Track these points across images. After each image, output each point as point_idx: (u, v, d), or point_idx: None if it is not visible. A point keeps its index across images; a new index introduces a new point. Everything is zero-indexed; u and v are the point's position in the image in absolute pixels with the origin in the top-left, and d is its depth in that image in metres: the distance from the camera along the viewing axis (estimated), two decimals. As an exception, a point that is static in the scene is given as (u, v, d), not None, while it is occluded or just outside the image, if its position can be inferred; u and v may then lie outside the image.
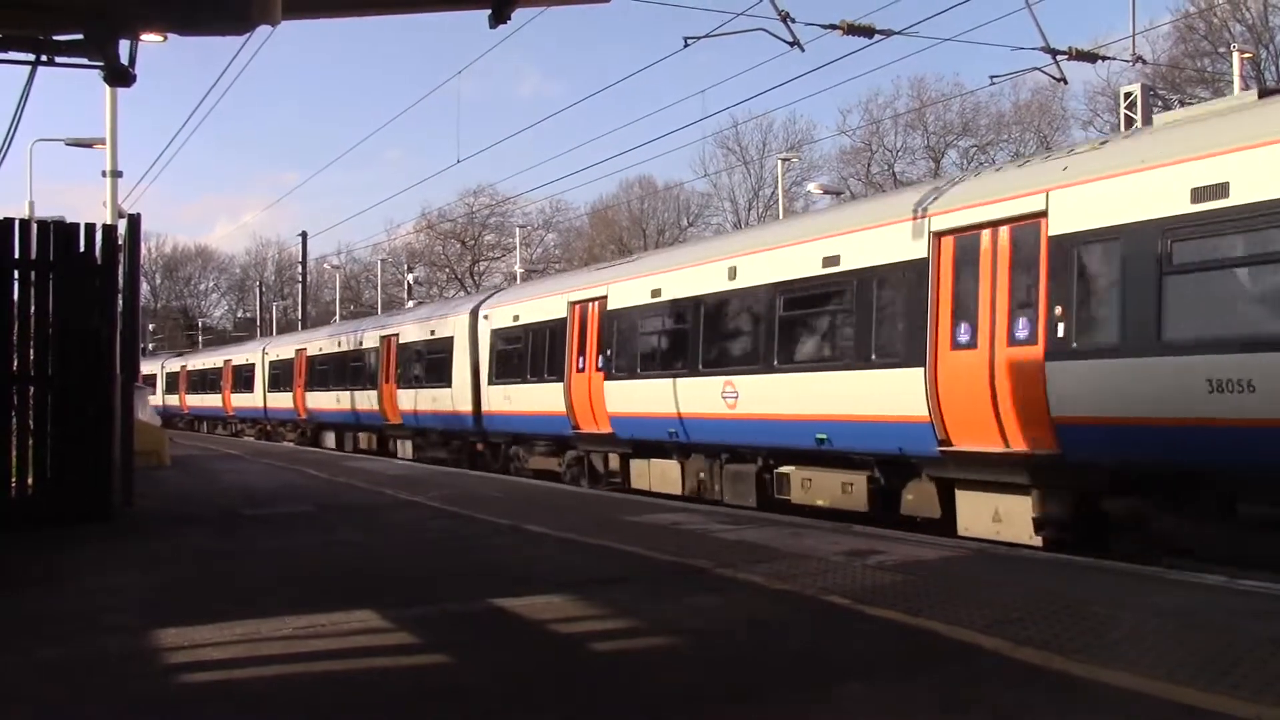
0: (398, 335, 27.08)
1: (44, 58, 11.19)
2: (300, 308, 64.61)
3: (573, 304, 19.58)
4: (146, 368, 57.10)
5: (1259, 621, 6.46)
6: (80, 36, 10.59)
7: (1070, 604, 6.98)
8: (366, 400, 29.12)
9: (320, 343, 34.52)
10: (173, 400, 55.33)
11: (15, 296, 12.00)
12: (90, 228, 12.46)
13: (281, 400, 37.56)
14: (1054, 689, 5.20)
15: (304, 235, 60.41)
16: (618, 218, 75.17)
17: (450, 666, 5.97)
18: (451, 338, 24.26)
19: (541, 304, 21.00)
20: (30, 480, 12.02)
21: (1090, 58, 19.63)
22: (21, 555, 10.09)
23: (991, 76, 33.87)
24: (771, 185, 59.74)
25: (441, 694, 5.38)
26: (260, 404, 39.99)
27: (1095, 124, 52.63)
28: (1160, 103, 32.92)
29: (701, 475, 16.08)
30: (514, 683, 5.57)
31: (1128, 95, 26.07)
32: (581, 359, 19.10)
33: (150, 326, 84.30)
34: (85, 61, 10.98)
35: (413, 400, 26.17)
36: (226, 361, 46.00)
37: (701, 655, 6.08)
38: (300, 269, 64.36)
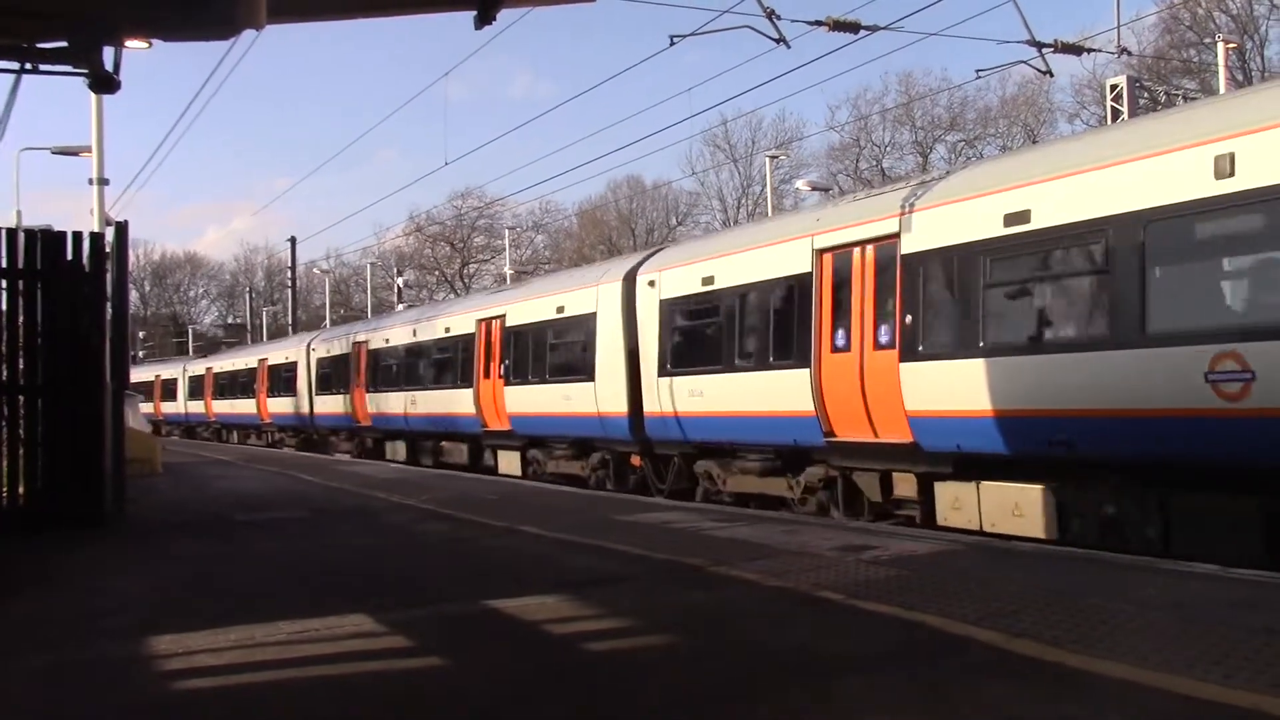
0: (503, 316, 22.50)
1: (29, 65, 11.18)
2: (290, 313, 64.47)
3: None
4: (168, 372, 55.96)
5: (1252, 611, 6.48)
6: (65, 44, 10.58)
7: (1064, 596, 6.99)
8: (455, 401, 24.06)
9: (386, 333, 29.57)
10: (198, 407, 50.71)
11: (4, 306, 11.97)
12: (78, 236, 12.44)
13: (332, 404, 32.65)
14: (1050, 681, 5.21)
15: (293, 240, 60.36)
16: (606, 218, 75.18)
17: (445, 669, 5.96)
18: (594, 314, 18.94)
19: (766, 255, 15.10)
20: (22, 488, 11.99)
21: (1076, 50, 19.68)
22: (14, 562, 10.05)
23: (978, 70, 33.99)
24: (760, 183, 59.76)
25: (437, 697, 5.37)
26: (305, 409, 35.12)
27: (1082, 116, 52.75)
28: (1146, 94, 32.94)
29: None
30: (509, 684, 5.56)
31: (1114, 87, 26.18)
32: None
33: (140, 334, 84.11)
34: (70, 69, 10.96)
35: (529, 398, 21.10)
36: (261, 361, 40.98)
37: (697, 653, 6.08)
38: (290, 274, 64.21)
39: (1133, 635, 5.93)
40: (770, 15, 15.57)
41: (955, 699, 5.01)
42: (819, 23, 16.89)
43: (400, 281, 66.20)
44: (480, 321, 23.25)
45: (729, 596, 7.67)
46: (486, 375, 22.66)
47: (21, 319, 12.04)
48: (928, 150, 62.30)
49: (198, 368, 51.74)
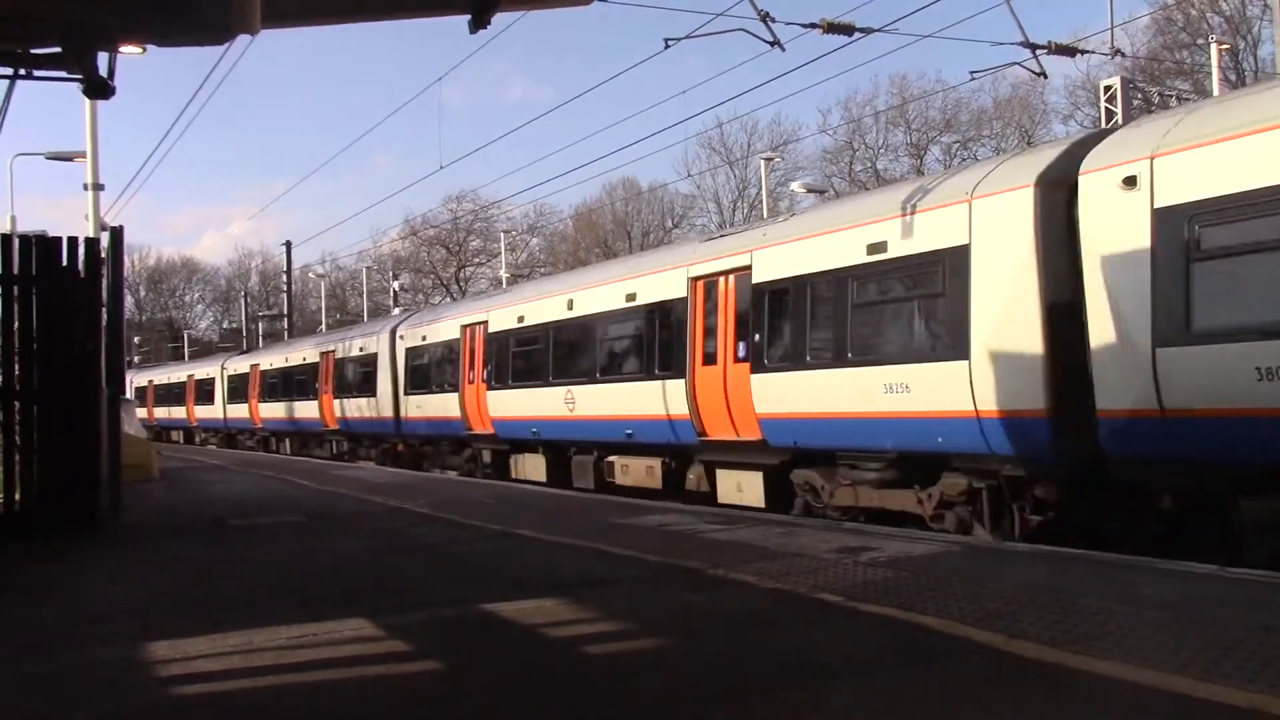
0: (749, 268, 15.43)
1: (22, 71, 11.16)
2: (286, 317, 64.39)
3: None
4: (203, 371, 49.63)
5: (1250, 610, 6.49)
6: (58, 49, 10.56)
7: (1062, 596, 7.00)
8: (649, 400, 17.27)
9: (520, 308, 22.18)
10: (240, 412, 43.21)
11: (-1, 311, 11.95)
12: (73, 241, 12.42)
13: (432, 405, 25.79)
14: (1048, 682, 5.21)
15: (288, 245, 60.40)
16: (602, 220, 75.19)
17: (443, 673, 5.96)
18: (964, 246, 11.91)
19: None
20: (18, 494, 11.97)
21: (1069, 52, 19.66)
22: (9, 568, 10.03)
23: (972, 72, 33.98)
24: (756, 185, 59.79)
25: (435, 700, 5.37)
26: (389, 412, 28.35)
27: (1076, 117, 52.93)
28: (1140, 95, 32.99)
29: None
30: (507, 688, 5.55)
31: (1107, 89, 26.23)
32: None
33: (136, 339, 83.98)
34: (64, 74, 10.95)
35: (813, 391, 13.95)
36: (325, 355, 33.93)
37: (694, 656, 6.07)
38: (285, 278, 64.15)
39: (1131, 635, 5.93)
40: (765, 18, 15.54)
41: (954, 700, 5.01)
42: (813, 25, 16.87)
43: (396, 285, 66.14)
44: (703, 280, 16.37)
45: (727, 599, 7.67)
46: (706, 360, 16.17)
47: (16, 325, 12.02)
48: (922, 152, 62.42)
49: (239, 365, 44.68)
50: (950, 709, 4.91)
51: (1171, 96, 34.42)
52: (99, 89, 10.97)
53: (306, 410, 35.15)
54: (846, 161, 64.28)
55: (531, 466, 21.73)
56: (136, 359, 77.23)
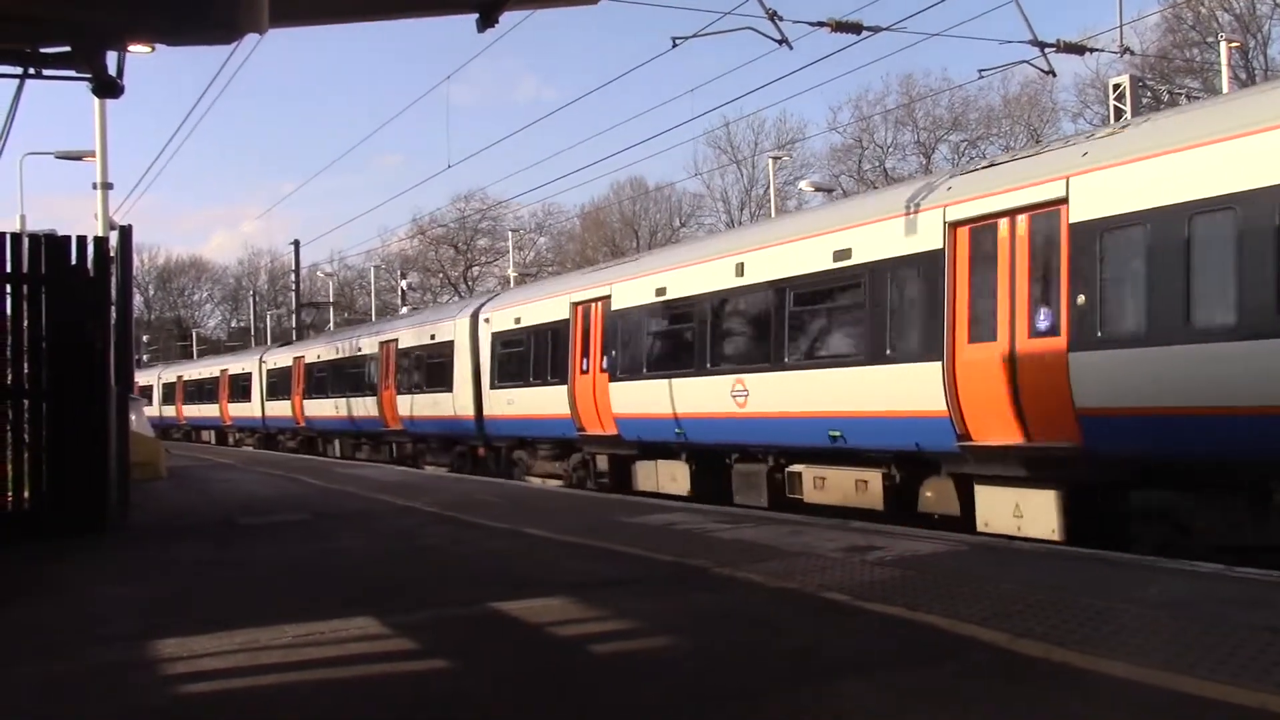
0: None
1: (31, 70, 11.20)
2: (295, 316, 64.51)
3: None
4: (239, 365, 45.84)
5: (1256, 609, 6.48)
6: (68, 49, 10.59)
7: (1068, 596, 6.99)
8: (867, 389, 13.35)
9: (663, 276, 17.95)
10: (280, 410, 39.17)
11: (8, 310, 11.98)
12: (82, 240, 12.45)
13: (529, 401, 21.95)
14: (1054, 681, 5.21)
15: (296, 243, 60.31)
16: (610, 219, 75.20)
17: (450, 671, 5.97)
18: None
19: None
20: (26, 493, 12.00)
21: (1078, 50, 19.63)
22: (18, 568, 10.07)
23: (980, 70, 33.80)
24: (764, 184, 59.72)
25: (442, 699, 5.38)
26: (467, 410, 24.45)
27: (1085, 116, 52.77)
28: (1149, 94, 32.91)
29: None
30: (514, 687, 5.56)
31: (1116, 87, 26.17)
32: None
33: (144, 338, 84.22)
34: (73, 74, 10.98)
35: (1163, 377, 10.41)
36: (386, 345, 29.61)
37: (701, 655, 6.07)
38: (294, 277, 64.28)
39: (1137, 635, 5.92)
40: (772, 16, 15.55)
41: (961, 700, 5.01)
42: (821, 24, 16.87)
43: (404, 284, 66.26)
44: (973, 225, 12.19)
45: (734, 598, 7.67)
46: (977, 335, 12.11)
47: (25, 323, 12.05)
48: (930, 150, 62.37)
49: (280, 357, 40.58)
50: (957, 708, 4.90)
51: (1181, 94, 34.33)
52: (108, 88, 11.01)
53: (362, 408, 30.95)
54: (855, 160, 64.27)
55: (668, 476, 17.70)
56: (145, 357, 77.41)
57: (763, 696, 5.16)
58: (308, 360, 36.72)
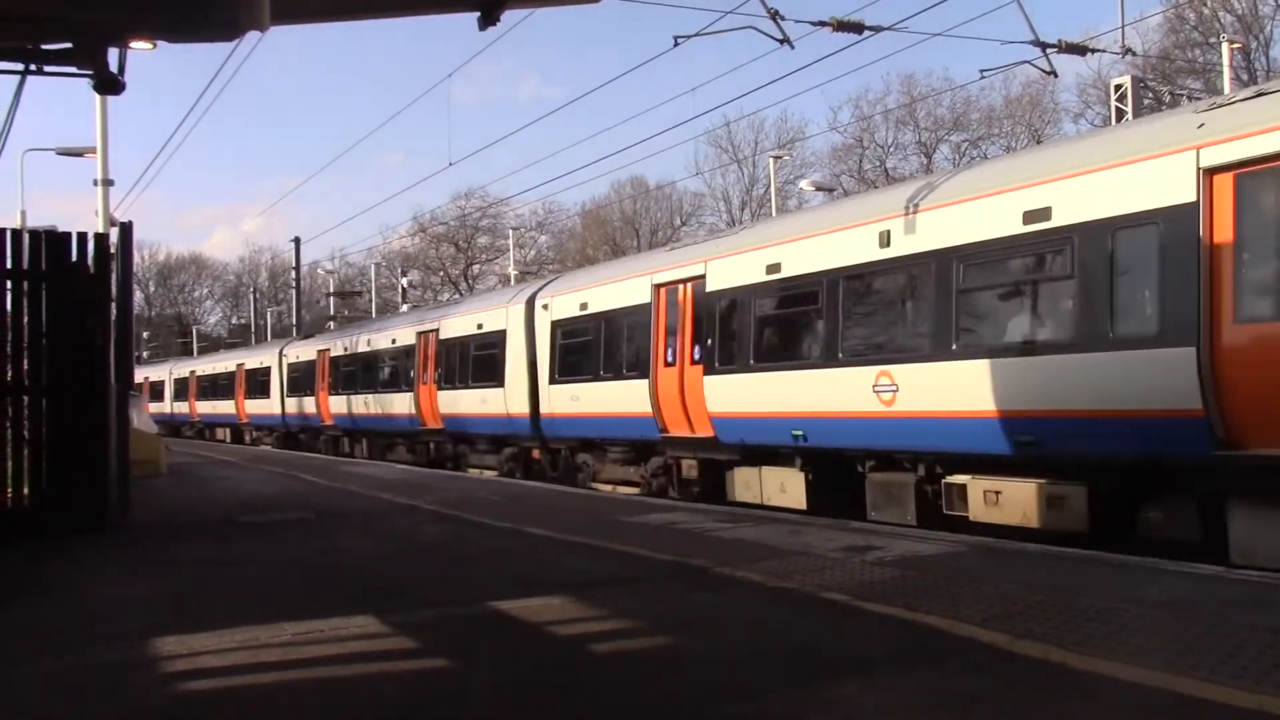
0: None
1: (33, 67, 11.20)
2: (295, 313, 64.51)
3: None
4: (256, 359, 42.83)
5: (1256, 611, 6.48)
6: (69, 46, 10.59)
7: (1068, 597, 6.99)
8: (1077, 382, 10.92)
9: (778, 251, 15.43)
10: (302, 406, 36.35)
11: (8, 306, 11.98)
12: (82, 237, 12.44)
13: (599, 397, 19.31)
14: (1054, 682, 5.21)
15: (297, 241, 60.31)
16: (610, 218, 75.20)
17: (450, 670, 5.97)
18: None
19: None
20: (26, 490, 12.00)
21: (1079, 50, 19.65)
22: (18, 566, 10.07)
23: (982, 70, 33.73)
24: (765, 183, 59.75)
25: (442, 698, 5.38)
26: (521, 407, 21.94)
27: (1087, 116, 52.76)
28: (1150, 94, 32.91)
29: None
30: (514, 686, 5.56)
31: (1118, 87, 26.16)
32: None
33: (145, 335, 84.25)
34: (74, 70, 10.98)
35: None
36: (425, 335, 26.98)
37: (701, 655, 6.08)
38: (294, 274, 64.27)
39: (1136, 636, 5.92)
40: (774, 16, 15.56)
41: (960, 701, 5.01)
42: (823, 23, 16.88)
43: (405, 282, 66.29)
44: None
45: (733, 597, 7.67)
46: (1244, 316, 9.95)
47: (26, 320, 12.05)
48: (931, 150, 62.36)
49: (302, 351, 37.53)
50: (956, 709, 4.90)
51: (1183, 95, 34.33)
52: (109, 85, 11.01)
53: (397, 405, 28.27)
54: (855, 160, 64.27)
55: (775, 485, 15.23)
56: (146, 354, 77.40)
57: (762, 696, 5.16)
58: (334, 353, 33.75)
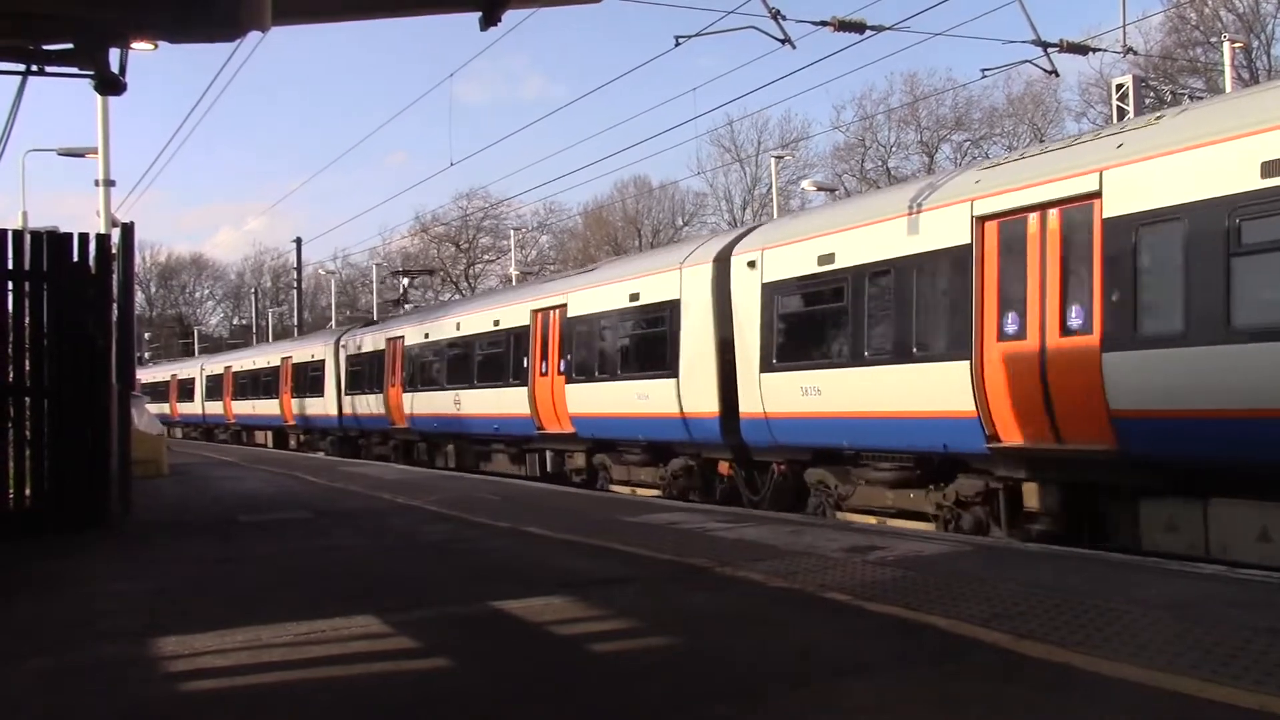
0: None
1: (34, 67, 11.21)
2: (296, 314, 64.54)
3: None
4: (304, 352, 37.54)
5: (1258, 611, 6.47)
6: (70, 46, 10.60)
7: (1069, 597, 6.98)
8: None
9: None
10: (366, 406, 31.06)
11: (10, 307, 11.98)
12: (84, 237, 12.45)
13: (837, 389, 14.18)
14: (1056, 682, 5.20)
15: (298, 241, 60.46)
16: (612, 218, 75.20)
17: (451, 670, 5.96)
18: None
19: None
20: (28, 490, 12.00)
21: (1081, 50, 19.65)
22: (20, 565, 10.06)
23: (983, 70, 33.76)
24: (767, 183, 59.79)
25: (443, 697, 5.37)
26: (706, 404, 16.63)
27: (1089, 115, 52.74)
28: (1152, 94, 32.88)
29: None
30: (515, 685, 5.56)
31: (1119, 87, 26.15)
32: None
33: (146, 335, 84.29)
34: (76, 71, 10.99)
35: None
36: (544, 314, 21.61)
37: (701, 655, 6.07)
38: (295, 275, 64.28)
39: (1138, 636, 5.91)
40: (775, 15, 15.56)
41: (962, 701, 5.00)
42: (824, 23, 16.89)
43: (405, 282, 66.22)
44: None
45: (734, 597, 7.66)
46: None
47: (27, 320, 12.05)
48: (933, 150, 62.35)
49: (364, 340, 32.05)
50: (958, 709, 4.90)
51: (1185, 94, 34.30)
52: (111, 85, 11.01)
53: (502, 403, 22.81)
54: (858, 160, 64.26)
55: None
56: (147, 355, 77.31)
57: (763, 696, 5.15)
58: (409, 341, 28.28)
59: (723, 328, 16.21)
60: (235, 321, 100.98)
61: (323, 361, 34.98)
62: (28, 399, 12.04)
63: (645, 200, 73.73)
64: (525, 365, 22.02)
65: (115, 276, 12.76)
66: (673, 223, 73.07)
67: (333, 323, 61.12)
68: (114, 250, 12.91)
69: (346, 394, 32.75)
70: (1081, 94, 54.92)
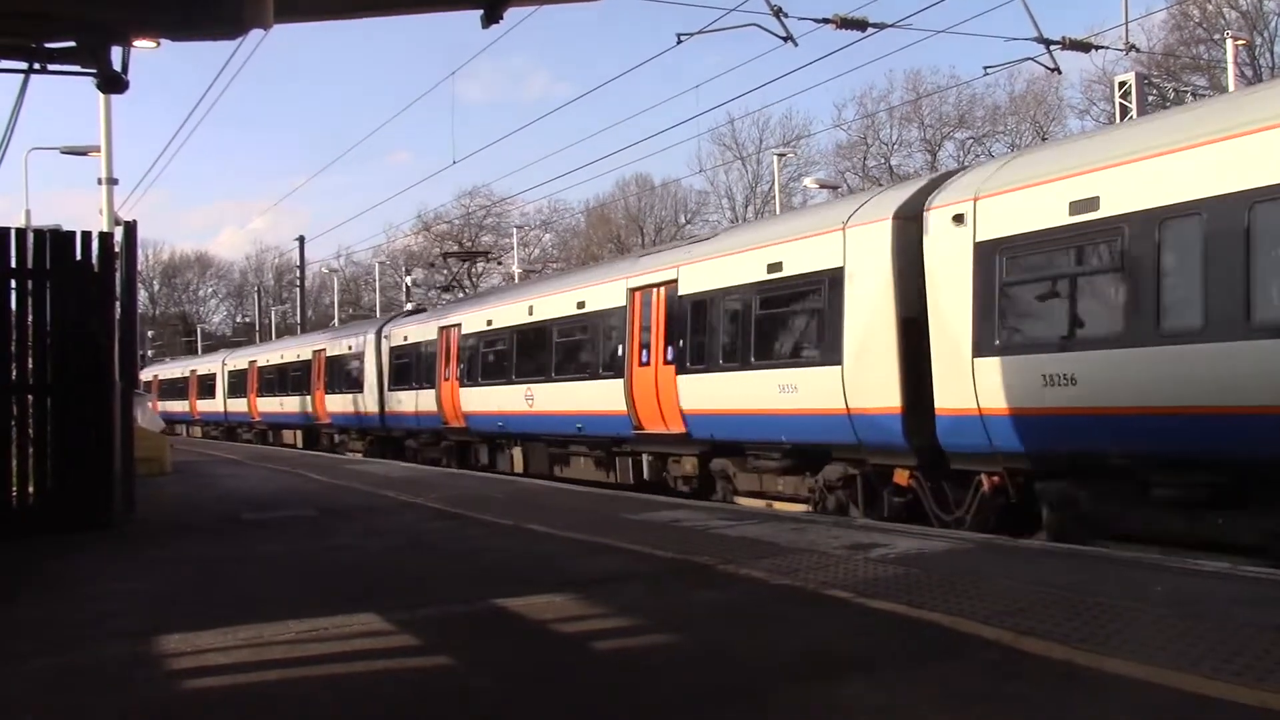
0: None
1: (37, 65, 11.21)
2: (299, 312, 64.58)
3: None
4: (341, 343, 33.93)
5: (1262, 608, 6.46)
6: (73, 44, 10.60)
7: (1071, 594, 6.97)
8: None
9: None
10: (415, 402, 27.66)
11: (13, 305, 12.00)
12: (86, 235, 12.46)
13: (1135, 378, 10.06)
14: (1058, 679, 5.20)
15: (301, 239, 60.56)
16: (615, 216, 75.19)
17: (453, 668, 5.97)
18: None
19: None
20: (31, 489, 12.02)
21: (1083, 47, 19.65)
22: (23, 563, 10.09)
23: (986, 67, 33.70)
24: (769, 181, 59.78)
25: (445, 696, 5.38)
26: (880, 398, 13.07)
27: (1091, 113, 52.72)
28: (1155, 91, 32.84)
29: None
30: (517, 684, 5.56)
31: (1122, 85, 26.12)
32: None
33: (149, 333, 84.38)
34: (78, 69, 10.99)
35: None
36: (645, 293, 18.14)
37: (704, 652, 6.07)
38: (298, 273, 64.29)
39: (1140, 633, 5.91)
40: (777, 13, 15.58)
41: (964, 698, 5.00)
42: (826, 20, 16.90)
43: (409, 280, 66.24)
44: None
45: (737, 595, 7.67)
46: None
47: (30, 318, 12.07)
48: (936, 148, 62.31)
49: (411, 331, 28.68)
50: (960, 706, 4.90)
51: (1187, 92, 34.26)
52: (113, 83, 11.01)
53: (587, 398, 19.49)
54: (860, 157, 64.23)
55: None
56: (150, 353, 77.28)
57: (766, 694, 5.15)
58: (467, 330, 25.16)
59: (906, 301, 12.87)
60: (239, 319, 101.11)
61: (362, 354, 31.70)
62: (30, 397, 12.06)
63: (648, 198, 73.75)
64: (620, 354, 18.53)
65: (118, 274, 12.78)
66: (675, 220, 73.09)
67: (335, 321, 61.11)
68: (116, 248, 12.93)
69: (390, 390, 29.62)
70: (1084, 91, 54.92)
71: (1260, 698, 4.72)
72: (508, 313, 23.43)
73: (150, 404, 34.36)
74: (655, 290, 17.67)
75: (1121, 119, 24.27)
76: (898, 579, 7.83)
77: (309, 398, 36.13)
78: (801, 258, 14.52)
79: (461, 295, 37.59)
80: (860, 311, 13.38)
